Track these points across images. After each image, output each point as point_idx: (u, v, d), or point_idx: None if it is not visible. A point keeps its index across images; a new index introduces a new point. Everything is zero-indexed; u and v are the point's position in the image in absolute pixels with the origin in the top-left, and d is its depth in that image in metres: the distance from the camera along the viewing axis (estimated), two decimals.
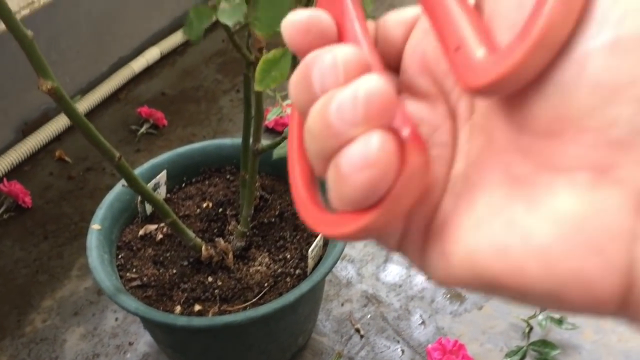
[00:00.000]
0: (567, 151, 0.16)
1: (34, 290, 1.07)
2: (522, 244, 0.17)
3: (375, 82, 0.17)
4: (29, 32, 0.59)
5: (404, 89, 0.22)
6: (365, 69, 0.18)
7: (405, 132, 0.18)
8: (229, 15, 0.62)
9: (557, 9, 0.16)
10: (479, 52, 0.18)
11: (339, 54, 0.18)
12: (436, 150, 0.20)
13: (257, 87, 0.52)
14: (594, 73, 0.16)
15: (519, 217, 0.17)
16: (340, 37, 0.21)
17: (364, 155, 0.17)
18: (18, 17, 0.59)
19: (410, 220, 0.20)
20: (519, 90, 0.17)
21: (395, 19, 0.22)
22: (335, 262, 0.78)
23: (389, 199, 0.17)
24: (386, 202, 0.18)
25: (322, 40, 0.20)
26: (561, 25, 0.16)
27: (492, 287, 0.18)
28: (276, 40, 0.48)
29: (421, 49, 0.21)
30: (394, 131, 0.18)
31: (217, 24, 0.63)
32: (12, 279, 1.09)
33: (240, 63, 0.71)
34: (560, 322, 0.92)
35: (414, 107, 0.21)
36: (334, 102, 0.17)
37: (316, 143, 0.18)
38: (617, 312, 0.17)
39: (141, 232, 0.89)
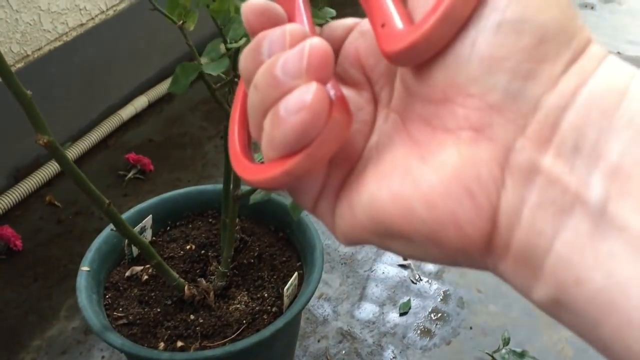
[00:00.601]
0: (457, 114, 0.20)
1: (24, 330, 1.11)
2: (413, 190, 0.20)
3: (319, 40, 0.20)
4: (29, 92, 0.65)
5: (337, 78, 0.25)
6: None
7: (334, 94, 0.21)
8: (213, 68, 0.69)
9: None
10: (399, 26, 0.21)
11: (287, 27, 0.22)
12: (357, 125, 0.24)
13: None
14: (481, 48, 0.19)
15: (414, 169, 0.21)
16: None
17: (301, 100, 0.20)
18: (13, 69, 0.64)
19: (327, 180, 0.23)
20: (425, 62, 0.21)
21: (338, 23, 0.26)
22: (309, 300, 0.84)
23: (313, 145, 0.20)
24: (310, 148, 0.20)
25: (274, 24, 0.23)
26: (462, 6, 0.19)
27: (387, 232, 0.21)
28: None
29: (356, 46, 0.25)
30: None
31: (202, 72, 0.69)
32: (2, 320, 1.13)
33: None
34: (522, 355, 0.98)
35: (344, 91, 0.24)
36: (281, 59, 0.20)
37: (259, 95, 0.21)
38: (484, 256, 0.20)
39: (128, 273, 0.95)
